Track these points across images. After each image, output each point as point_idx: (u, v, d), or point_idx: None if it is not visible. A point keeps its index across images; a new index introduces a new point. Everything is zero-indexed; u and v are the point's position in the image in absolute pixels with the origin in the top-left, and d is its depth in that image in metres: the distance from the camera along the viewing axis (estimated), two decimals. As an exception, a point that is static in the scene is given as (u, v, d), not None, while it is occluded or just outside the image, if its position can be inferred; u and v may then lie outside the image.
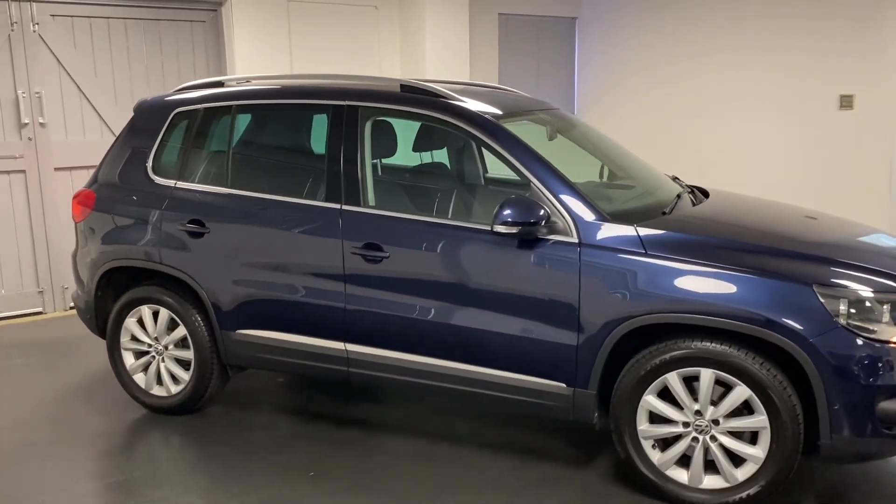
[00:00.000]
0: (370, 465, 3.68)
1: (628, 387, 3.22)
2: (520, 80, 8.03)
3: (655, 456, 3.26)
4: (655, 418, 3.25)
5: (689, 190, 4.02)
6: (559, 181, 3.38)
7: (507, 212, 3.25)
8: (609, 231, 3.26)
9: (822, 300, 2.95)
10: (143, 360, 4.29)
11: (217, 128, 4.15)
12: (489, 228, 3.34)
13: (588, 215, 3.30)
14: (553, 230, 3.30)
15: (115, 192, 4.28)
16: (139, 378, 4.32)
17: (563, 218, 3.31)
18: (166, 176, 4.18)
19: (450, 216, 3.96)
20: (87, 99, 6.42)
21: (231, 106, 4.08)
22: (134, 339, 4.29)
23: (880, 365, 2.93)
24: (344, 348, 3.76)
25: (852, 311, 2.95)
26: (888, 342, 2.94)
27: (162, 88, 6.68)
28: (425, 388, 3.69)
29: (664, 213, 3.52)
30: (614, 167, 4.11)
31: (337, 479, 3.57)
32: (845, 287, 3.00)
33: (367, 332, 3.70)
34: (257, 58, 7.00)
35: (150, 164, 4.21)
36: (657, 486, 3.26)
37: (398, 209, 3.79)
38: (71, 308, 6.48)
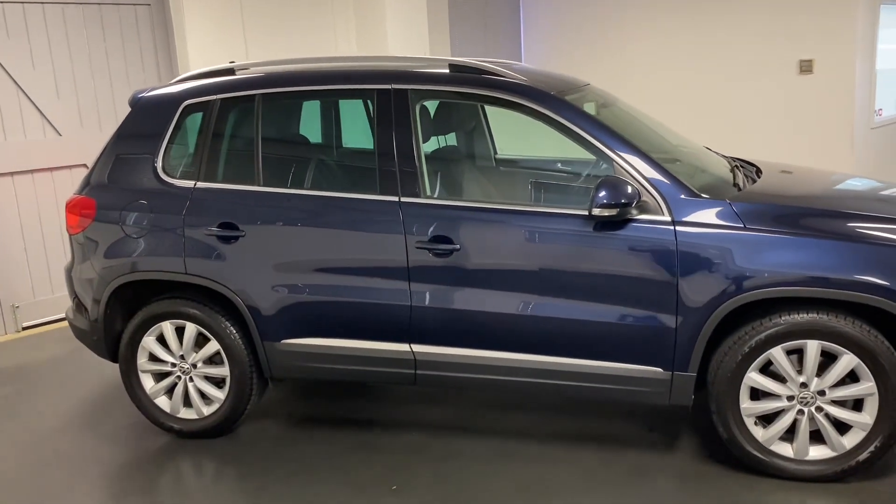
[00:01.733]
0: (450, 472, 3.47)
1: (730, 365, 3.15)
2: (469, 54, 7.85)
3: (759, 433, 3.22)
4: (756, 394, 3.20)
5: (736, 162, 3.98)
6: (646, 158, 3.24)
7: (602, 193, 3.09)
8: (703, 207, 3.17)
9: None
10: (167, 381, 3.87)
11: (240, 120, 3.76)
12: (584, 212, 3.17)
13: (678, 192, 3.19)
14: (644, 210, 3.17)
15: (120, 197, 3.81)
16: (162, 402, 3.90)
17: (654, 196, 3.18)
18: (182, 176, 3.75)
19: (516, 201, 3.77)
20: (26, 94, 5.75)
21: (255, 95, 3.69)
22: (153, 359, 3.86)
23: (979, 322, 2.98)
24: (410, 350, 3.50)
25: None
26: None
27: (107, 79, 6.09)
28: (500, 386, 3.49)
29: (738, 188, 3.45)
30: (659, 143, 4.02)
31: (422, 490, 3.34)
32: (942, 247, 3.03)
33: (436, 331, 3.46)
34: (209, 40, 6.48)
35: (159, 164, 3.77)
36: (763, 462, 3.22)
37: (461, 197, 3.55)
38: (25, 329, 5.85)
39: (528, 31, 8.65)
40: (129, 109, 3.95)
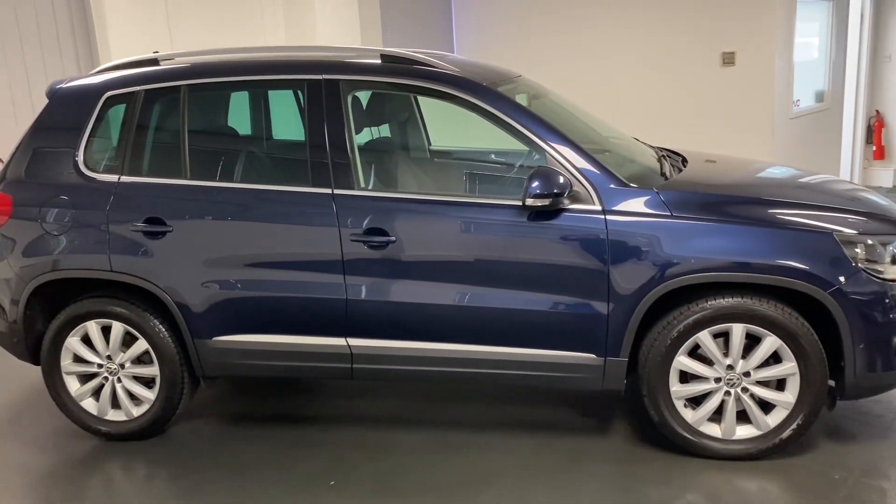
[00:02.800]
0: (389, 465, 3.46)
1: (660, 350, 3.24)
2: (402, 45, 7.81)
3: (688, 414, 3.31)
4: (685, 377, 3.29)
5: (663, 152, 4.07)
6: (577, 149, 3.29)
7: (535, 184, 3.12)
8: (631, 196, 3.23)
9: (842, 246, 3.10)
10: (93, 383, 3.74)
11: (165, 112, 3.64)
12: (518, 203, 3.20)
13: (608, 182, 3.24)
14: (576, 200, 3.22)
15: (39, 193, 3.65)
16: (89, 404, 3.77)
17: (585, 187, 3.23)
18: (105, 171, 3.62)
19: (451, 193, 3.78)
20: (-67, 86, 5.46)
21: (181, 86, 3.58)
22: (78, 360, 3.72)
23: (892, 302, 3.13)
24: (346, 344, 3.47)
25: (866, 254, 3.13)
26: (893, 280, 3.15)
27: (23, 68, 5.84)
28: (438, 377, 3.52)
29: (664, 177, 3.54)
30: (589, 134, 4.08)
31: (360, 484, 3.32)
32: (858, 232, 3.16)
33: (373, 324, 3.44)
34: (132, 28, 6.26)
35: (80, 157, 3.63)
36: (693, 443, 3.32)
37: (396, 189, 3.53)
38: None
39: (460, 22, 8.66)
40: (46, 101, 3.79)
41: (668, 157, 3.96)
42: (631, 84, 7.50)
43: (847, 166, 9.13)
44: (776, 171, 4.18)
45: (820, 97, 8.15)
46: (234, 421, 3.98)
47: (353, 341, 3.47)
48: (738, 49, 7.11)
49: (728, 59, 7.19)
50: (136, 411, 3.72)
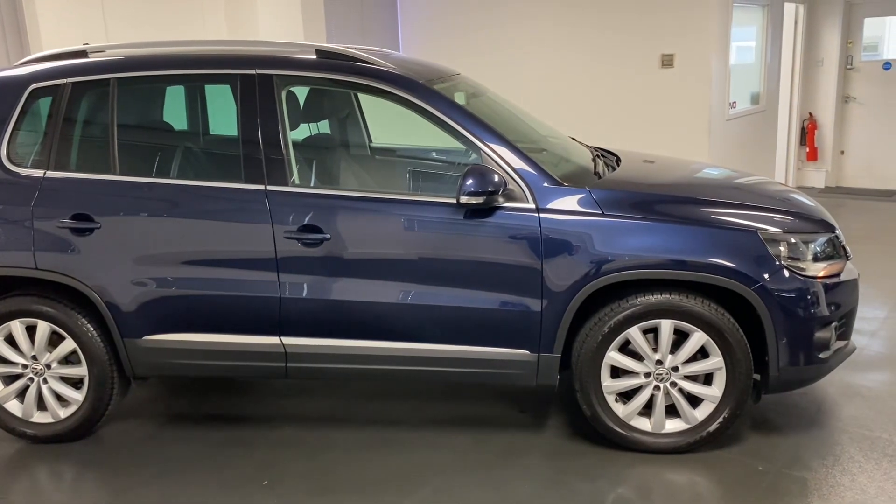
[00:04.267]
0: (324, 463, 3.44)
1: (592, 345, 3.29)
2: (346, 42, 7.75)
3: (620, 409, 3.37)
4: (616, 373, 3.35)
5: (597, 152, 4.13)
6: (510, 147, 3.32)
7: (469, 181, 3.14)
8: (564, 195, 3.27)
9: (766, 244, 3.19)
10: (18, 384, 3.63)
11: (93, 105, 3.55)
12: (453, 200, 3.21)
13: (542, 180, 3.28)
14: (510, 198, 3.25)
15: (-42, 187, 3.52)
16: (13, 406, 3.66)
17: (519, 185, 3.26)
18: (29, 165, 3.52)
19: (387, 190, 3.77)
20: None
21: (109, 79, 3.50)
22: (2, 360, 3.61)
23: (814, 299, 3.24)
24: (280, 342, 3.44)
25: (789, 252, 3.23)
26: (815, 277, 3.26)
27: (-52, 61, 5.61)
28: (374, 375, 3.51)
29: (598, 176, 3.59)
30: (526, 133, 4.11)
31: (294, 483, 3.29)
32: (782, 230, 3.26)
33: (307, 322, 3.41)
34: (64, 19, 6.07)
35: (3, 151, 3.52)
36: (624, 437, 3.38)
37: (332, 186, 3.51)
38: None
39: (406, 20, 8.65)
40: (-32, 93, 3.65)
41: (603, 156, 4.02)
42: (571, 83, 7.60)
43: (782, 167, 9.40)
44: (712, 172, 4.28)
45: (755, 99, 8.37)
46: (166, 421, 3.90)
47: (288, 340, 3.44)
48: (677, 51, 7.26)
49: (667, 61, 7.33)
50: (64, 413, 3.63)
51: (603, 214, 3.23)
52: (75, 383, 3.62)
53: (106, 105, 3.50)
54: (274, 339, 3.44)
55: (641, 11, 7.28)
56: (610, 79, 7.47)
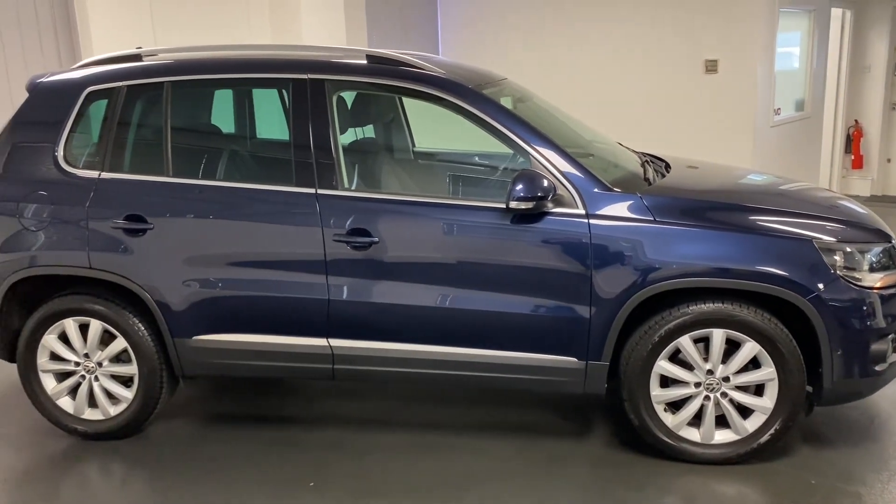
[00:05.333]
0: (370, 466, 3.44)
1: (641, 354, 3.25)
2: (386, 46, 7.78)
3: (668, 419, 3.33)
4: (665, 382, 3.31)
5: (646, 157, 4.10)
6: (560, 152, 3.30)
7: (519, 186, 3.13)
8: (615, 201, 3.24)
9: (822, 254, 3.13)
10: (70, 381, 3.69)
11: (147, 108, 3.61)
12: (502, 205, 3.20)
13: (592, 186, 3.26)
14: (559, 203, 3.23)
15: (17, 188, 3.60)
16: (65, 402, 3.72)
17: (568, 190, 3.24)
18: (85, 166, 3.58)
19: (435, 194, 3.78)
20: (-90, 78, 5.37)
21: (164, 82, 3.55)
22: (55, 358, 3.68)
23: (870, 310, 3.17)
24: (328, 344, 3.46)
25: (844, 262, 3.16)
26: (871, 288, 3.19)
27: (3, 63, 5.76)
28: (420, 379, 3.51)
29: (647, 182, 3.55)
30: (573, 137, 4.09)
31: (341, 485, 3.30)
32: (837, 239, 3.20)
33: (355, 325, 3.43)
34: (114, 25, 6.20)
35: (60, 153, 3.59)
36: (672, 447, 3.33)
37: (379, 189, 3.52)
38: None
39: (446, 24, 8.67)
40: (26, 95, 3.74)
41: (652, 162, 3.98)
42: (615, 89, 7.55)
43: (826, 175, 9.23)
44: (757, 178, 4.22)
45: (800, 106, 8.24)
46: (212, 421, 3.94)
47: (335, 342, 3.45)
48: (721, 57, 7.17)
49: (711, 66, 7.25)
50: (114, 410, 3.68)
51: (655, 221, 3.20)
52: (125, 381, 3.67)
53: (160, 108, 3.55)
54: (321, 341, 3.46)
55: (685, 16, 7.21)
56: (653, 83, 7.41)
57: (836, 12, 8.60)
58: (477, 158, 4.65)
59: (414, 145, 4.71)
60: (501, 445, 3.58)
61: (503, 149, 3.49)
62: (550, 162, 3.27)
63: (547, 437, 3.65)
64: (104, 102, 3.60)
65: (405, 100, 4.58)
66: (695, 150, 6.52)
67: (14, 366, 3.78)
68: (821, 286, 3.11)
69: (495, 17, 8.19)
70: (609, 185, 3.28)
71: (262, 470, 3.44)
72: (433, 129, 4.77)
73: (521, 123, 3.35)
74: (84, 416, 3.71)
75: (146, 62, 3.65)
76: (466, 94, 3.36)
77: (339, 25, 7.28)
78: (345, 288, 3.39)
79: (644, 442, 3.39)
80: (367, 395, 4.15)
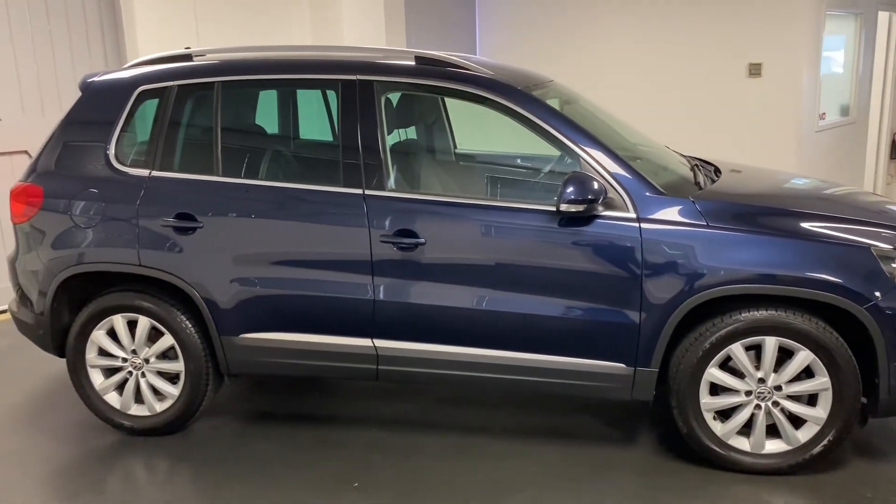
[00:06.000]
0: (412, 468, 3.43)
1: (691, 361, 3.20)
2: (425, 47, 7.79)
3: (717, 427, 3.27)
4: (714, 390, 3.25)
5: (695, 161, 4.04)
6: (611, 155, 3.26)
7: (570, 189, 3.10)
8: (666, 205, 3.20)
9: (880, 261, 3.06)
10: (117, 377, 3.74)
11: (198, 107, 3.64)
12: (551, 208, 3.18)
13: (643, 190, 3.22)
14: (610, 206, 3.19)
15: (69, 185, 3.65)
16: (112, 398, 3.76)
17: (619, 193, 3.20)
18: (136, 165, 3.62)
19: (481, 196, 3.76)
20: (-37, 77, 5.48)
21: (215, 82, 3.58)
22: (103, 353, 3.72)
23: (929, 320, 3.08)
24: (372, 345, 3.45)
25: None
26: (928, 297, 3.10)
27: (52, 64, 5.86)
28: (464, 382, 3.48)
29: (699, 186, 3.50)
30: (622, 140, 4.05)
31: (385, 487, 3.30)
32: (894, 247, 3.12)
33: (399, 326, 3.42)
34: (159, 26, 6.27)
35: (111, 151, 3.63)
36: (721, 456, 3.27)
37: (426, 191, 3.51)
38: (-41, 322, 5.57)
39: (484, 25, 8.66)
40: (76, 95, 3.79)
41: (701, 166, 3.92)
42: (654, 90, 7.48)
43: (870, 181, 9.06)
44: (802, 183, 4.14)
45: (845, 111, 8.09)
46: (255, 419, 3.96)
47: (380, 342, 3.45)
48: (765, 60, 7.07)
49: (754, 70, 7.16)
50: (160, 407, 3.72)
51: (708, 226, 3.14)
52: (172, 378, 3.70)
53: (210, 108, 3.58)
54: (366, 342, 3.46)
55: (729, 19, 7.13)
56: (694, 86, 7.34)
57: (882, 16, 8.43)
58: (519, 161, 4.64)
59: (455, 147, 4.70)
60: (545, 450, 3.55)
61: (544, 151, 3.46)
62: (601, 165, 3.24)
63: (591, 443, 3.60)
64: (155, 102, 3.64)
65: (447, 101, 4.59)
66: (737, 155, 6.43)
67: (63, 361, 3.83)
68: (879, 295, 3.03)
69: (534, 18, 8.16)
70: (660, 189, 3.24)
71: (306, 469, 3.44)
72: (472, 130, 4.76)
73: (571, 125, 3.32)
74: (130, 412, 3.75)
75: (197, 62, 3.68)
76: (517, 96, 3.34)
77: (378, 25, 7.31)
78: (390, 289, 3.39)
79: (691, 450, 3.34)
80: (406, 396, 4.14)
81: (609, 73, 7.66)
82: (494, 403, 4.03)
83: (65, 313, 3.76)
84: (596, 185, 3.12)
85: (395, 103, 3.85)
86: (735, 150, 7.01)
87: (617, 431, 3.72)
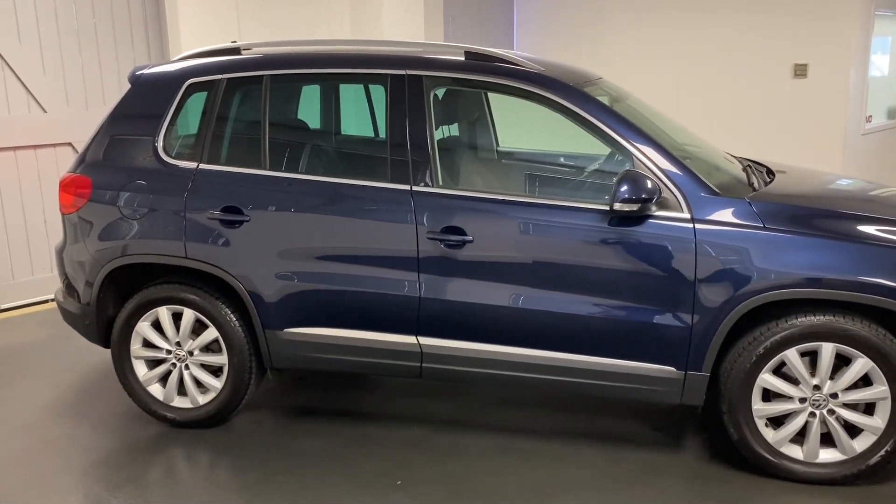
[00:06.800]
0: (454, 468, 3.40)
1: (744, 366, 3.12)
2: (463, 42, 7.75)
3: (770, 434, 3.19)
4: (767, 396, 3.18)
5: (746, 162, 3.95)
6: (665, 154, 3.20)
7: (624, 188, 3.04)
8: (722, 205, 3.13)
9: None
10: (161, 368, 3.75)
11: (246, 101, 3.64)
12: (602, 207, 3.13)
13: (698, 189, 3.15)
14: (663, 206, 3.13)
15: (117, 176, 3.67)
16: (155, 389, 3.78)
17: (673, 193, 3.14)
18: (184, 157, 3.63)
19: (530, 194, 3.72)
20: (11, 68, 5.54)
21: (263, 76, 3.57)
22: (148, 345, 3.73)
23: None
24: (417, 342, 3.42)
25: None
26: None
27: (96, 56, 5.91)
28: (510, 381, 3.43)
29: (752, 187, 3.42)
30: (673, 139, 3.97)
31: (428, 486, 3.26)
32: (961, 253, 3.02)
33: (445, 323, 3.39)
34: (202, 20, 6.31)
35: (160, 143, 3.64)
36: (773, 464, 3.20)
37: (473, 188, 3.47)
38: (3, 311, 5.66)
39: (522, 19, 8.60)
40: (120, 88, 3.82)
41: (752, 166, 3.84)
42: (696, 89, 7.37)
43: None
44: (849, 184, 4.03)
45: (892, 114, 7.91)
46: (295, 414, 3.95)
47: (424, 340, 3.42)
48: (811, 61, 6.93)
49: (800, 70, 7.02)
50: (202, 399, 3.72)
51: (765, 228, 3.07)
52: (215, 371, 3.71)
53: (258, 101, 3.57)
54: (411, 339, 3.43)
55: (774, 19, 7.00)
56: (738, 86, 7.22)
57: (932, 17, 8.22)
58: (561, 159, 4.58)
59: (498, 144, 4.66)
60: (589, 453, 3.49)
61: (587, 149, 3.38)
62: (655, 163, 3.17)
63: (638, 447, 3.54)
64: (204, 94, 3.64)
65: (491, 97, 4.55)
66: (781, 156, 6.31)
67: (105, 351, 3.85)
68: (944, 301, 2.93)
69: (573, 17, 8.09)
70: (715, 189, 3.16)
71: (348, 466, 3.42)
72: (513, 127, 4.72)
73: (624, 123, 3.26)
74: (173, 404, 3.76)
75: (245, 55, 3.67)
76: (570, 93, 3.29)
77: (417, 20, 7.29)
78: (436, 286, 3.36)
79: (742, 457, 3.27)
80: (447, 393, 4.10)
81: (651, 73, 7.56)
82: (535, 403, 3.98)
83: (110, 304, 3.78)
84: (650, 184, 3.06)
85: (441, 99, 3.81)
86: (779, 151, 6.88)
87: (663, 435, 3.65)
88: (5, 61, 5.50)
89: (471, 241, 3.28)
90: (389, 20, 7.14)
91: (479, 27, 8.38)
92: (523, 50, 8.50)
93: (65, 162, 5.60)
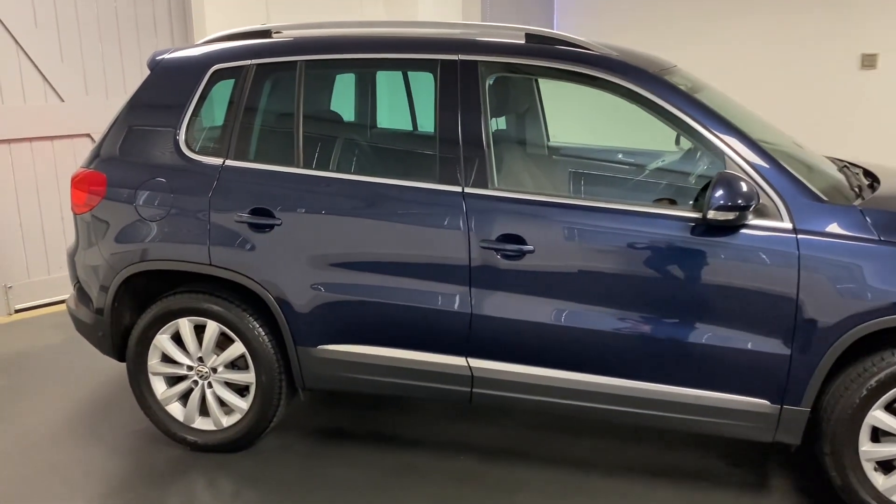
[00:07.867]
0: (512, 507, 2.99)
1: (852, 401, 2.68)
2: (501, 18, 7.33)
3: (879, 480, 2.75)
4: (876, 436, 2.73)
5: (843, 163, 3.49)
6: (762, 154, 2.76)
7: (719, 193, 2.61)
8: (829, 214, 2.68)
9: None
10: (181, 386, 3.38)
11: (278, 90, 3.25)
12: (691, 214, 2.70)
13: (801, 195, 2.70)
14: (761, 214, 2.69)
15: (135, 173, 3.30)
16: (175, 409, 3.41)
17: (771, 199, 2.70)
18: (209, 153, 3.25)
19: (594, 196, 3.30)
20: (27, 54, 5.20)
21: (298, 61, 3.17)
22: (167, 360, 3.37)
23: None
24: (467, 364, 3.02)
25: None
26: None
27: (116, 42, 5.56)
28: (574, 411, 3.02)
29: (855, 192, 2.97)
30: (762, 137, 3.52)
31: (480, 529, 2.87)
32: None
33: (500, 344, 2.98)
34: (229, 5, 5.93)
35: (182, 137, 3.26)
36: (883, 515, 2.75)
37: (534, 191, 3.06)
38: (17, 311, 5.34)
39: (563, 5, 8.15)
40: (142, 76, 3.44)
41: (849, 167, 3.38)
42: (757, 82, 6.87)
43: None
44: None
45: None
46: (330, 438, 3.57)
47: (475, 362, 3.01)
48: (881, 51, 6.42)
49: (869, 61, 6.51)
50: (227, 421, 3.35)
51: (881, 241, 2.62)
52: (241, 390, 3.34)
53: (292, 90, 3.18)
54: (460, 360, 3.03)
55: (840, 7, 6.50)
56: (802, 79, 6.73)
57: None
58: (620, 155, 4.15)
59: (549, 139, 4.24)
60: (663, 494, 3.08)
61: (649, 145, 2.96)
62: (752, 165, 2.73)
63: (715, 487, 3.12)
64: (231, 82, 3.26)
65: (542, 87, 4.13)
66: (846, 153, 5.82)
67: (123, 365, 3.49)
68: None
69: (620, 2, 7.62)
70: (820, 196, 2.72)
71: (387, 499, 3.05)
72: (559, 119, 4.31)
73: (715, 117, 2.82)
74: (194, 426, 3.40)
75: (276, 39, 3.28)
76: (650, 82, 2.86)
77: (454, 2, 6.88)
78: (490, 302, 2.95)
79: (841, 502, 2.83)
80: (497, 420, 3.69)
81: (706, 64, 7.05)
82: (597, 433, 3.56)
83: (126, 314, 3.42)
84: (747, 189, 2.62)
85: (497, 88, 3.39)
86: (844, 148, 6.37)
87: (742, 474, 3.22)
88: (21, 47, 5.16)
89: (531, 252, 2.87)
90: (424, 2, 6.73)
91: (518, 11, 7.94)
92: (563, 31, 8.05)
93: (83, 154, 5.23)
